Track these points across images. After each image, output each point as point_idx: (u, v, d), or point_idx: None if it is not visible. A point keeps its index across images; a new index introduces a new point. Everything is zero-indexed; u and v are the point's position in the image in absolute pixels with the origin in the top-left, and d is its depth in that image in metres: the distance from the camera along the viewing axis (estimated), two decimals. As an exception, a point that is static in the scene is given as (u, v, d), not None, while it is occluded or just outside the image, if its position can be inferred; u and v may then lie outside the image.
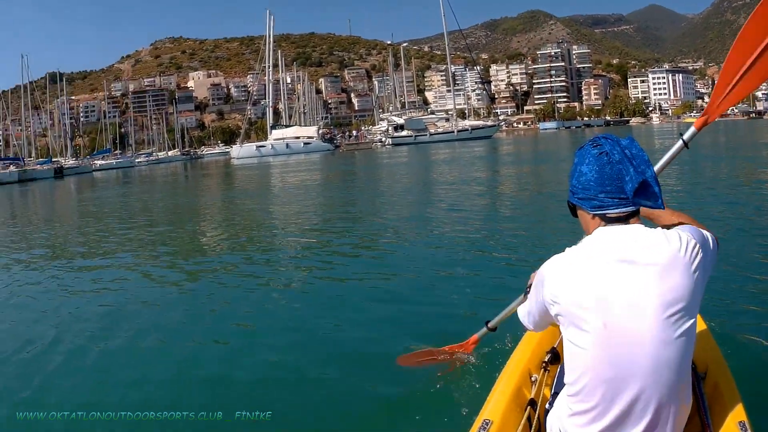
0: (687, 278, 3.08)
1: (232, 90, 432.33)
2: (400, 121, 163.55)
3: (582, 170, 3.39)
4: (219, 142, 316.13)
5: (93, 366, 8.91)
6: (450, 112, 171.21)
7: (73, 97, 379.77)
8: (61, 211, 41.02)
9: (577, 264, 3.23)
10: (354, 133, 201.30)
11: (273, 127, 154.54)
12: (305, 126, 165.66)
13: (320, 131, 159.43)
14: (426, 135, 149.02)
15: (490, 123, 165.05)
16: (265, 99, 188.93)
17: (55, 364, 9.10)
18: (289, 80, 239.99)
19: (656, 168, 4.34)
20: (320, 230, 20.57)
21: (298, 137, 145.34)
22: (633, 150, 3.31)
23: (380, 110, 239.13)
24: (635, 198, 3.26)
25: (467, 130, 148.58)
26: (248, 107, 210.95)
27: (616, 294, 3.08)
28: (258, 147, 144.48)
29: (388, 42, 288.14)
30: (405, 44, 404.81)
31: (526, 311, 3.85)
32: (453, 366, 6.58)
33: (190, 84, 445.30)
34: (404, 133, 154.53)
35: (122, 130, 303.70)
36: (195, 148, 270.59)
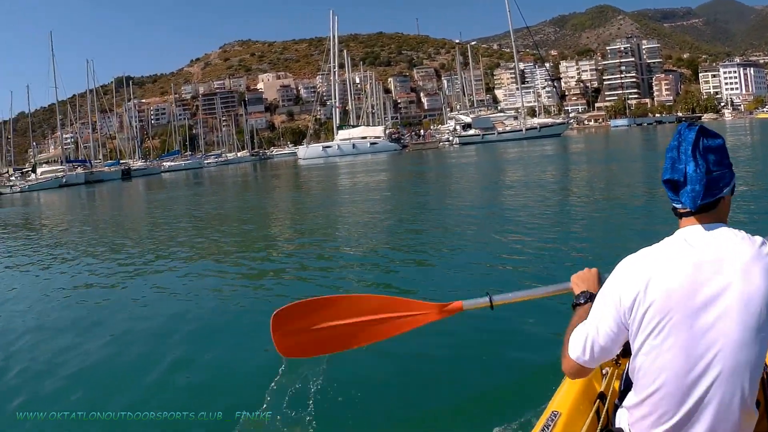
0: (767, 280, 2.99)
1: (302, 91, 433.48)
2: (468, 119, 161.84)
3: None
4: (288, 142, 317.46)
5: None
6: (519, 110, 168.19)
7: (143, 100, 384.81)
8: (124, 211, 41.89)
9: (660, 264, 3.13)
10: (421, 132, 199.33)
11: (340, 128, 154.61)
12: (373, 126, 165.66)
13: (387, 131, 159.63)
14: (494, 134, 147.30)
15: (559, 121, 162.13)
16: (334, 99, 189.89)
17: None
18: (357, 80, 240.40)
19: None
20: (383, 237, 20.18)
21: (364, 137, 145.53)
22: (703, 143, 3.21)
23: (449, 109, 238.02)
24: (669, 192, 3.27)
25: (536, 128, 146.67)
26: (315, 107, 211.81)
27: (700, 294, 3.02)
28: (324, 147, 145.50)
29: (457, 41, 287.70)
30: (473, 42, 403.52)
31: (584, 336, 3.37)
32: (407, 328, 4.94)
33: (260, 86, 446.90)
34: (471, 132, 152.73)
35: (192, 132, 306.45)
36: (264, 149, 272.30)
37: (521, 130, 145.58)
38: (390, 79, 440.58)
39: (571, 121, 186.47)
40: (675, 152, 3.20)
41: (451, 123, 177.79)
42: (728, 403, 3.02)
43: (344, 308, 4.73)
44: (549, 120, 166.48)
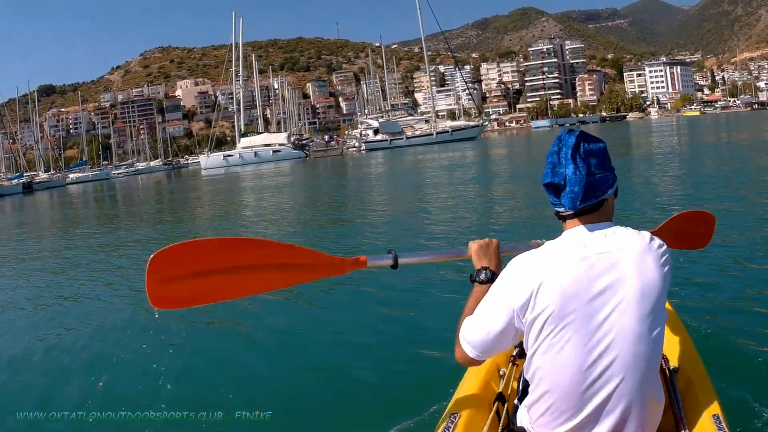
0: (659, 271, 3.15)
1: (219, 97, 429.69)
2: (376, 124, 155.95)
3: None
4: (205, 150, 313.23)
5: (93, 366, 9.12)
6: (430, 114, 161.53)
7: (62, 109, 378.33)
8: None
9: (551, 263, 3.19)
10: (326, 138, 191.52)
11: (243, 135, 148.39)
12: (278, 132, 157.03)
13: (291, 138, 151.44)
14: (402, 138, 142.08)
15: (472, 123, 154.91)
16: (253, 105, 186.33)
17: (56, 364, 9.41)
18: (276, 86, 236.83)
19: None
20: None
21: (267, 145, 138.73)
22: (584, 146, 3.30)
23: (365, 113, 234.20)
24: (550, 195, 3.37)
25: (447, 131, 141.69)
26: (214, 114, 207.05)
27: (594, 290, 3.08)
28: (225, 156, 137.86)
29: (377, 44, 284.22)
30: (394, 46, 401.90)
31: (475, 330, 3.41)
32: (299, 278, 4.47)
33: (178, 93, 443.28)
34: (379, 137, 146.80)
35: (108, 141, 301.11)
36: (179, 158, 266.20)
37: (432, 135, 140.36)
38: (308, 84, 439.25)
39: (487, 123, 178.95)
40: (555, 157, 3.26)
41: (362, 128, 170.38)
42: (630, 395, 3.08)
43: (236, 251, 4.09)
44: (462, 123, 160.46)
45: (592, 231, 3.20)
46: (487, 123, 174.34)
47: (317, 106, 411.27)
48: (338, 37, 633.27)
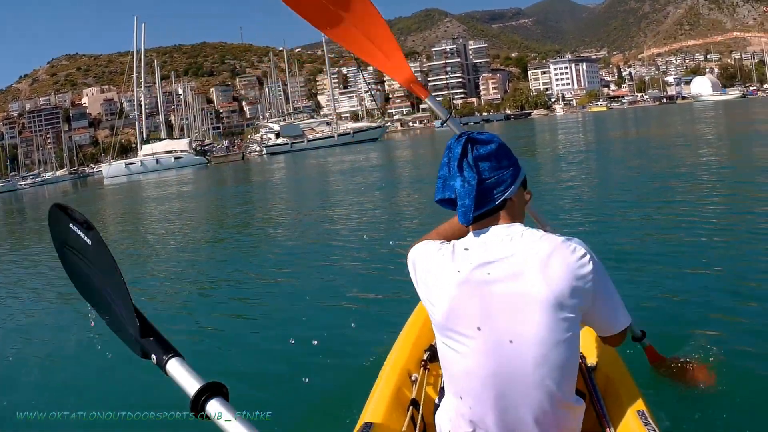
0: (568, 277, 3.01)
1: (125, 104, 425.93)
2: (277, 128, 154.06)
3: None
4: (110, 158, 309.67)
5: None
6: (331, 116, 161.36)
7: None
8: None
9: (451, 267, 3.14)
10: (224, 143, 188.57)
11: (146, 142, 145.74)
12: (185, 138, 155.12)
13: (193, 144, 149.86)
14: (303, 142, 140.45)
15: (374, 125, 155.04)
16: (158, 112, 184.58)
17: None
18: (180, 91, 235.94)
19: None
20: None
21: (169, 151, 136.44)
22: (475, 152, 3.24)
23: (266, 117, 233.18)
24: (443, 206, 3.36)
25: (348, 133, 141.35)
26: (116, 122, 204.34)
27: (496, 295, 3.03)
28: (127, 164, 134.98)
29: (280, 48, 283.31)
30: (298, 49, 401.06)
31: (414, 256, 3.42)
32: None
33: (84, 100, 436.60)
34: (279, 141, 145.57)
35: (16, 151, 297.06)
36: (85, 166, 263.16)
37: (333, 137, 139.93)
38: (212, 89, 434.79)
39: (388, 124, 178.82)
40: (446, 169, 3.24)
41: (264, 132, 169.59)
42: (543, 400, 3.04)
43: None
44: (363, 124, 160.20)
45: (495, 235, 3.13)
46: (389, 124, 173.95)
47: (221, 110, 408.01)
48: (242, 41, 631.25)
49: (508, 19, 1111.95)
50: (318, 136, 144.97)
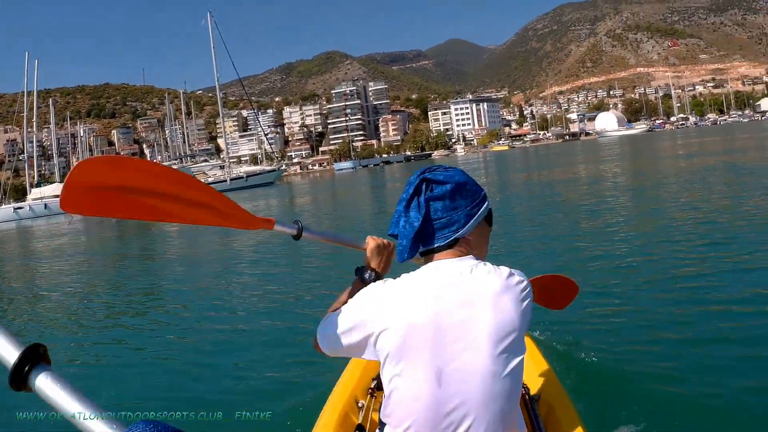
0: (517, 309, 3.07)
1: (27, 145, 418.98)
2: None
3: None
4: (11, 200, 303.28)
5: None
6: (224, 159, 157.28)
7: None
8: None
9: (405, 297, 3.13)
10: None
11: (37, 185, 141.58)
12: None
13: None
14: None
15: (269, 168, 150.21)
16: (59, 154, 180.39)
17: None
18: (82, 133, 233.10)
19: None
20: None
21: (57, 196, 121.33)
22: (426, 194, 3.26)
23: (159, 161, 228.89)
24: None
25: (242, 177, 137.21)
26: (7, 162, 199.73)
27: (446, 326, 3.03)
28: (15, 209, 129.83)
29: (182, 90, 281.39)
30: (199, 92, 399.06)
31: (332, 330, 3.37)
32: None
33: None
34: None
35: None
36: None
37: (226, 181, 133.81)
38: (114, 131, 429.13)
39: (284, 167, 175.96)
40: (402, 205, 3.26)
41: None
42: (487, 429, 3.04)
43: (159, 177, 3.77)
44: (257, 168, 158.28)
45: (449, 266, 3.18)
46: (284, 167, 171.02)
47: (121, 153, 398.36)
48: (144, 83, 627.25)
49: (409, 60, 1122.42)
50: (210, 180, 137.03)
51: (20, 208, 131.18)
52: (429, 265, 3.22)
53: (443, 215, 3.18)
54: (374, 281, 3.55)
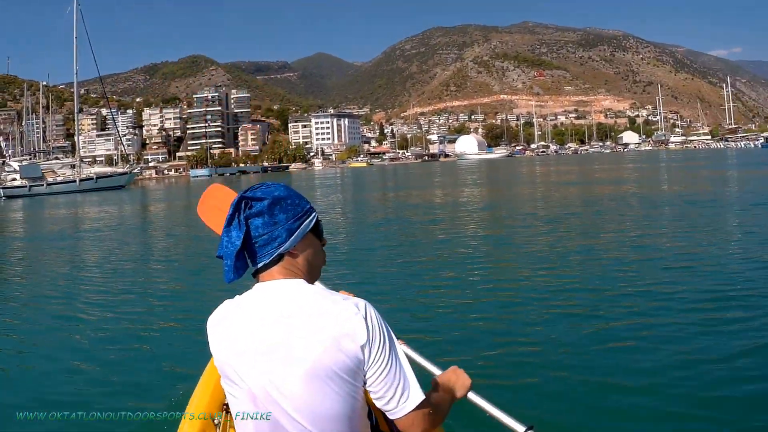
0: (334, 336, 2.91)
1: None
2: (17, 167, 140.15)
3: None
4: None
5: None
6: (74, 156, 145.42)
7: None
8: None
9: (232, 318, 3.11)
10: None
11: None
12: None
13: None
14: (43, 185, 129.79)
15: (120, 170, 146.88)
16: None
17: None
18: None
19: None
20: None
21: None
22: (247, 210, 3.20)
23: (10, 155, 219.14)
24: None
25: (92, 178, 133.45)
26: None
27: (261, 351, 2.97)
28: None
29: (44, 83, 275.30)
30: (62, 86, 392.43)
31: None
32: None
33: None
34: (18, 183, 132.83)
35: None
36: None
37: (75, 182, 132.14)
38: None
39: (137, 170, 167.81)
40: (227, 226, 3.19)
41: (7, 171, 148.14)
42: None
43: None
44: (108, 170, 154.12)
45: (270, 290, 3.12)
46: (137, 171, 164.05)
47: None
48: (8, 72, 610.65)
49: (274, 71, 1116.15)
50: (59, 179, 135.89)
51: None
52: (255, 286, 3.19)
53: (263, 231, 3.15)
54: None
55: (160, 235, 34.80)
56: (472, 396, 3.71)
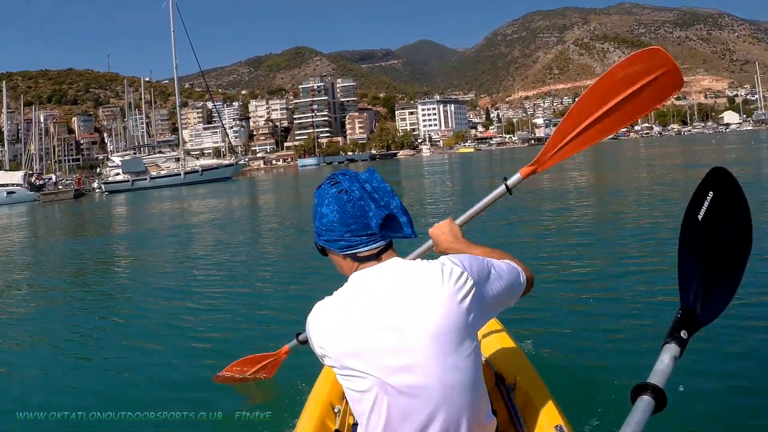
0: (453, 303, 3.03)
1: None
2: (120, 162, 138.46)
3: (323, 211, 3.33)
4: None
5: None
6: (178, 150, 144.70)
7: None
8: None
9: (340, 311, 3.16)
10: (52, 177, 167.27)
11: None
12: (20, 171, 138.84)
13: (28, 176, 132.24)
14: (146, 179, 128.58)
15: (226, 162, 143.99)
16: (21, 140, 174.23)
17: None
18: (42, 119, 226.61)
19: (475, 209, 4.85)
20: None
21: (2, 185, 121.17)
22: (373, 183, 3.32)
23: (112, 151, 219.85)
24: (383, 232, 3.25)
25: (197, 171, 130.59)
26: None
27: (386, 335, 3.04)
28: None
29: (147, 79, 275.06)
30: (165, 81, 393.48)
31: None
32: (268, 373, 7.14)
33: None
34: (120, 177, 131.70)
35: None
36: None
37: (180, 175, 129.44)
38: (74, 119, 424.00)
39: (242, 162, 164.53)
40: (370, 197, 3.25)
41: (110, 166, 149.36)
42: (454, 424, 3.07)
43: None
44: (214, 162, 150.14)
45: (385, 270, 3.18)
46: (242, 162, 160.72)
47: (81, 141, 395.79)
48: (109, 70, 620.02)
49: (378, 59, 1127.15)
50: (162, 173, 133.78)
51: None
52: (364, 270, 3.22)
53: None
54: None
55: (267, 228, 32.99)
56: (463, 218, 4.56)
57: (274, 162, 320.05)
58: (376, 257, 3.23)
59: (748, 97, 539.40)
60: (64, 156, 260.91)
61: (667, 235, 16.65)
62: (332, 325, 3.11)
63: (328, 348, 3.11)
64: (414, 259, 3.62)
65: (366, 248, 3.22)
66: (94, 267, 23.22)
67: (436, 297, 3.01)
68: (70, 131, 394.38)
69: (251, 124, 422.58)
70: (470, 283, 3.09)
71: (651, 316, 9.45)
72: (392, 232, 3.23)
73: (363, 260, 3.25)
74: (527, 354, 4.90)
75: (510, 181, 4.68)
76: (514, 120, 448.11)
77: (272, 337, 9.80)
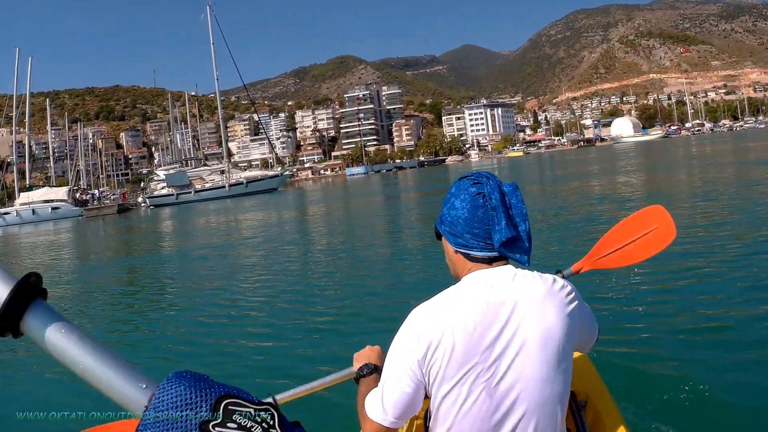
0: (562, 314, 3.10)
1: (34, 147, 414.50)
2: (163, 176, 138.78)
3: (455, 204, 3.33)
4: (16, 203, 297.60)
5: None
6: (224, 162, 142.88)
7: None
8: None
9: (452, 309, 3.13)
10: (96, 193, 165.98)
11: (28, 189, 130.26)
12: (65, 186, 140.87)
13: (72, 192, 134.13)
14: (190, 193, 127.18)
15: (271, 173, 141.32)
16: (68, 156, 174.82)
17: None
18: (90, 135, 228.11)
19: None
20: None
21: (47, 201, 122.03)
22: (512, 200, 3.31)
23: (157, 165, 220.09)
24: (501, 248, 3.24)
25: (242, 183, 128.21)
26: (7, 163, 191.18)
27: (497, 335, 3.06)
28: (2, 215, 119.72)
29: (193, 93, 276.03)
30: (211, 95, 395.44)
31: (381, 398, 3.25)
32: None
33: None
34: (164, 191, 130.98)
35: None
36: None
37: (224, 187, 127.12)
38: (122, 134, 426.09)
39: (288, 172, 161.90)
40: (504, 211, 3.23)
41: (155, 180, 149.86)
42: None
43: None
44: (259, 173, 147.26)
45: (498, 275, 3.18)
46: (288, 172, 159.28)
47: (130, 156, 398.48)
48: (155, 85, 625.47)
49: (423, 66, 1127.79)
50: (207, 186, 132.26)
51: (6, 213, 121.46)
52: (476, 273, 3.24)
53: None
54: (377, 371, 3.68)
55: (319, 245, 31.29)
56: None
57: (322, 172, 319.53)
58: (489, 261, 3.23)
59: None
60: (113, 171, 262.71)
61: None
62: (450, 323, 3.05)
63: (442, 345, 3.04)
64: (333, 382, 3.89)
65: (480, 253, 3.23)
66: (123, 286, 22.94)
67: (549, 306, 3.06)
68: (119, 146, 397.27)
69: (298, 134, 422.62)
70: (577, 302, 3.17)
71: (737, 332, 8.93)
72: (509, 251, 3.22)
73: (475, 261, 3.26)
74: (599, 370, 4.91)
75: (564, 273, 4.70)
76: (562, 122, 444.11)
77: (330, 359, 9.88)
